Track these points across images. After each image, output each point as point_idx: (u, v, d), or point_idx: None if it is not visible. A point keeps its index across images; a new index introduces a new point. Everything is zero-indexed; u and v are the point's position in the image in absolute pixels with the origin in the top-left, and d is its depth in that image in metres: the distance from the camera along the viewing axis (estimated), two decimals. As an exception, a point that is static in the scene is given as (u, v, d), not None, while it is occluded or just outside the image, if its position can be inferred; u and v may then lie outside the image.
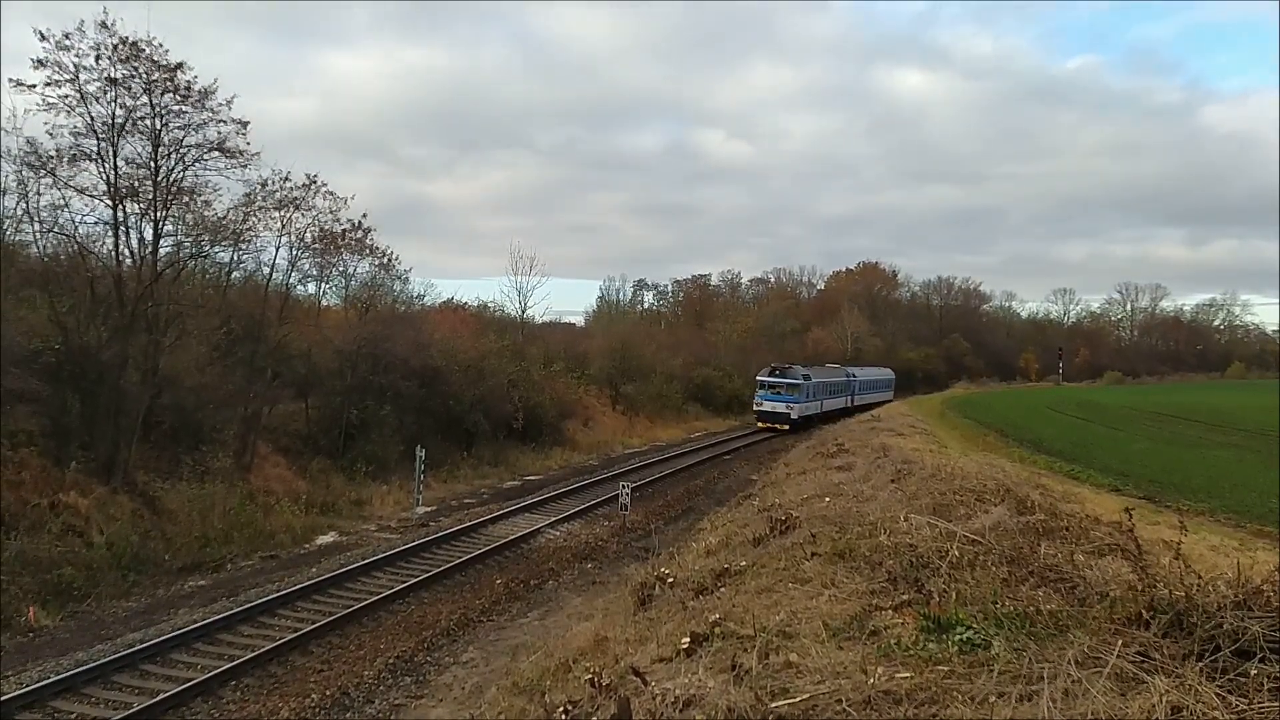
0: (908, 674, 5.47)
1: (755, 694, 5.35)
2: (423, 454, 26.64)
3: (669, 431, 51.75)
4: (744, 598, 9.20)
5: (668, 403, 56.83)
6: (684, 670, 6.41)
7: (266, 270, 31.07)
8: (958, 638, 6.12)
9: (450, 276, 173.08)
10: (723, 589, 10.35)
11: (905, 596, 7.71)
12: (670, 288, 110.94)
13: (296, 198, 29.23)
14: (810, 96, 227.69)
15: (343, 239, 32.35)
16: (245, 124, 25.06)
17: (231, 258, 29.83)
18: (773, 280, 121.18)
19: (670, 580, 12.04)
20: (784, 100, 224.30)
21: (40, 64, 22.29)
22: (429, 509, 26.52)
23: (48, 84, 22.37)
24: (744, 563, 11.43)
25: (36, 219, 23.30)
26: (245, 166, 25.63)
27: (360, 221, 32.58)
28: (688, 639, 7.48)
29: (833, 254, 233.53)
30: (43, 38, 22.20)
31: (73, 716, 12.02)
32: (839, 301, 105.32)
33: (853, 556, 9.50)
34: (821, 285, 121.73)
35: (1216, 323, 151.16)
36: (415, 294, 46.30)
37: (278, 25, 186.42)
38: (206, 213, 26.02)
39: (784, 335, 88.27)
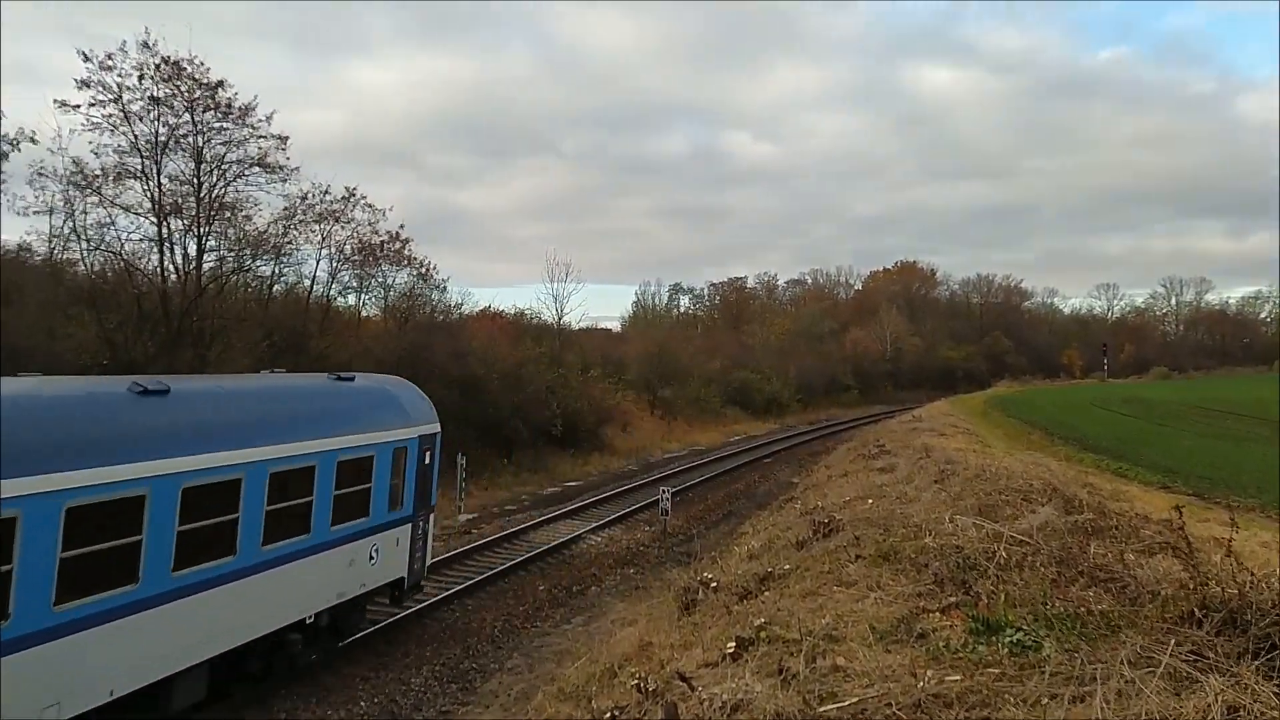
0: (957, 677, 5.44)
1: (803, 698, 5.35)
2: (464, 461, 26.85)
3: (707, 435, 51.55)
4: (788, 601, 9.17)
5: (705, 406, 56.63)
6: (730, 675, 6.41)
7: (307, 283, 31.63)
8: (1008, 639, 6.07)
9: (486, 285, 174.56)
10: (766, 593, 10.33)
11: (952, 598, 7.65)
12: (706, 291, 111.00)
13: (336, 210, 29.77)
14: (835, 96, 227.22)
15: (381, 250, 32.81)
16: (285, 139, 25.57)
17: (273, 271, 30.41)
18: (809, 281, 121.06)
19: (713, 584, 12.03)
20: (809, 100, 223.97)
21: (84, 84, 22.90)
22: (471, 516, 26.70)
23: (92, 104, 22.99)
24: (787, 566, 11.40)
25: (83, 237, 23.97)
26: (285, 181, 26.14)
27: (398, 232, 33.04)
28: (733, 643, 7.47)
29: (867, 253, 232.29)
30: (86, 59, 22.80)
31: None
32: (877, 301, 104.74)
33: (898, 559, 9.44)
34: (858, 285, 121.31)
35: (1263, 315, 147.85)
36: (453, 303, 46.47)
37: (300, 37, 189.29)
38: (248, 227, 26.58)
39: (822, 336, 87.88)
